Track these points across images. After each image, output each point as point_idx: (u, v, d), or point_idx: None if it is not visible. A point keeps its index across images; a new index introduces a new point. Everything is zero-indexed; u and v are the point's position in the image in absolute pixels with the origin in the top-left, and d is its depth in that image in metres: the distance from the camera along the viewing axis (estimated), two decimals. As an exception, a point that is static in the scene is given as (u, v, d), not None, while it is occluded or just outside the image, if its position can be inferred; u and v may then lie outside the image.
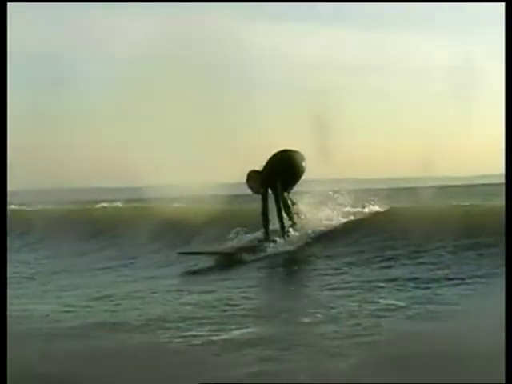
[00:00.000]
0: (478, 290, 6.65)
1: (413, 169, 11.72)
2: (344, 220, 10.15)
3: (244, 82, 16.54)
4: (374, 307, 6.11)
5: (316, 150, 10.30)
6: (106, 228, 13.12)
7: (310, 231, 9.89)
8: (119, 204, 16.29)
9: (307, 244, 9.62)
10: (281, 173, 9.84)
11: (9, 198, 16.65)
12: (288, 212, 9.91)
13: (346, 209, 10.39)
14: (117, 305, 7.04)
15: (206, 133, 15.11)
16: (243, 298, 7.12)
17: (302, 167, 9.96)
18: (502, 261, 6.19)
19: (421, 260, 8.03)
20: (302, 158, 9.99)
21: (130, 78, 17.57)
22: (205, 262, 9.52)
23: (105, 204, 16.10)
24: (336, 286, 7.33)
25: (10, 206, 17.16)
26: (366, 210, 10.38)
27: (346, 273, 8.03)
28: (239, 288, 7.68)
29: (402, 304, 6.15)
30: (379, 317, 5.77)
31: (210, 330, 5.58)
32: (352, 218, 10.20)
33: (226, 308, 6.53)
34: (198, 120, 15.81)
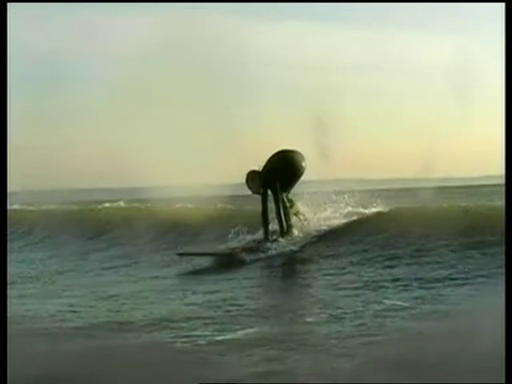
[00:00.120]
0: (482, 288, 6.67)
1: (414, 169, 11.71)
2: (346, 220, 10.17)
3: (244, 82, 16.55)
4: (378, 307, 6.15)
5: (316, 150, 10.29)
6: (110, 228, 13.14)
7: (312, 231, 9.90)
8: (121, 203, 16.23)
9: (309, 244, 9.63)
10: (280, 173, 9.81)
11: (12, 199, 16.73)
12: (285, 214, 9.88)
13: (348, 209, 10.41)
14: (122, 304, 7.06)
15: (206, 133, 15.11)
16: (247, 297, 7.14)
17: (301, 167, 9.93)
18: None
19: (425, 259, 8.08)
20: (302, 158, 9.97)
21: (130, 78, 17.57)
22: (208, 262, 9.53)
23: (107, 204, 16.07)
24: (340, 285, 7.37)
25: (14, 206, 17.24)
26: (368, 210, 10.39)
27: (350, 272, 8.07)
28: (243, 288, 7.70)
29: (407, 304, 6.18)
30: (384, 317, 5.79)
31: (214, 330, 5.59)
32: (354, 218, 10.21)
33: (231, 308, 6.54)
34: (198, 120, 15.81)
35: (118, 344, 5.36)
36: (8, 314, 6.09)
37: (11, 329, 5.38)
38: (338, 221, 10.19)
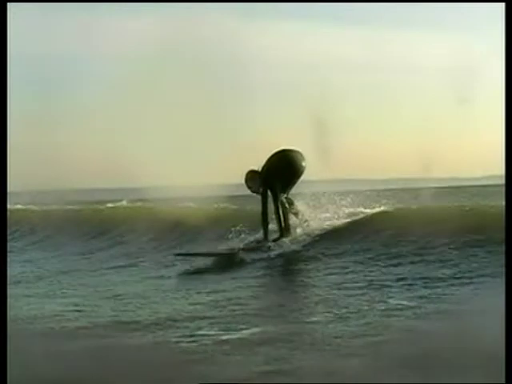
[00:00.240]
0: (486, 287, 6.69)
1: (415, 169, 11.71)
2: (347, 220, 10.14)
3: (244, 82, 16.55)
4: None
5: (316, 150, 10.26)
6: (115, 227, 13.12)
7: (312, 231, 9.87)
8: (124, 203, 16.19)
9: (311, 244, 9.61)
10: (280, 173, 9.75)
11: (14, 199, 16.70)
12: (284, 214, 9.84)
13: (349, 210, 10.38)
14: (127, 304, 7.06)
15: (206, 133, 15.10)
16: (251, 297, 7.17)
17: (301, 167, 9.85)
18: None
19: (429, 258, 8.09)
20: (302, 158, 9.89)
21: (129, 79, 17.56)
22: (212, 262, 9.52)
23: (110, 204, 16.02)
24: (344, 285, 7.37)
25: (16, 206, 17.23)
26: (369, 210, 10.37)
27: (353, 271, 8.07)
28: (245, 287, 7.71)
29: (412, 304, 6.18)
30: (388, 316, 5.81)
31: (219, 330, 5.59)
32: (355, 218, 10.19)
33: (236, 307, 6.54)
34: (198, 120, 15.80)
35: (124, 343, 5.36)
36: (14, 314, 6.33)
37: (20, 329, 5.52)
38: (339, 221, 10.16)
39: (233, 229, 10.01)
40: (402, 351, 4.71)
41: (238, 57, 17.14)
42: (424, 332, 5.26)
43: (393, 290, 6.94)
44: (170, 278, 8.86)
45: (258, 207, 9.97)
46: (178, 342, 5.28)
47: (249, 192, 10.13)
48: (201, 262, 9.49)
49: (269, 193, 9.83)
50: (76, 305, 7.14)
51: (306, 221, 10.02)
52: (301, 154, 9.92)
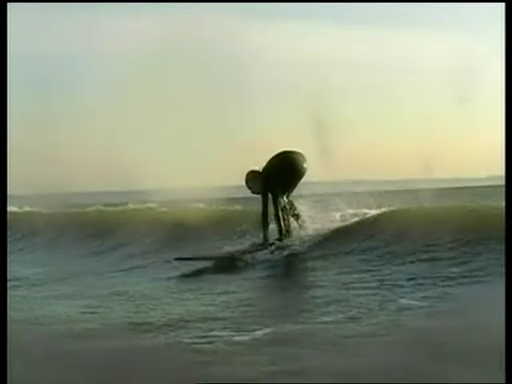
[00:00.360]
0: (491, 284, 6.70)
1: (417, 170, 11.67)
2: (352, 221, 10.11)
3: (244, 82, 16.52)
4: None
5: (317, 151, 10.22)
6: (124, 229, 13.13)
7: (313, 233, 9.83)
8: (130, 205, 16.13)
9: (316, 244, 9.58)
10: (281, 174, 9.72)
11: (19, 202, 16.65)
12: (284, 216, 9.79)
13: (350, 211, 10.35)
14: (139, 305, 7.08)
15: (207, 134, 15.08)
16: (261, 298, 7.32)
17: (302, 168, 9.81)
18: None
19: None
20: (303, 159, 9.85)
21: (129, 79, 17.54)
22: (219, 263, 9.51)
23: (119, 207, 15.96)
24: (352, 284, 7.39)
25: (26, 209, 17.22)
26: (372, 211, 10.33)
27: (360, 271, 8.09)
28: (255, 288, 7.82)
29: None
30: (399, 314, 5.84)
31: (231, 330, 5.61)
32: (358, 219, 10.15)
33: (246, 308, 6.56)
34: (198, 121, 15.78)
35: (136, 344, 5.36)
36: (26, 316, 6.38)
37: (32, 330, 5.55)
38: (342, 223, 10.12)
39: (238, 228, 10.05)
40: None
41: (237, 57, 17.11)
42: (435, 330, 5.24)
43: (403, 289, 6.95)
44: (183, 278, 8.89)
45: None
46: (190, 343, 5.28)
47: (250, 194, 10.10)
48: (208, 263, 9.50)
49: (269, 195, 9.79)
50: (88, 306, 7.16)
51: (303, 222, 9.95)
52: (302, 156, 9.88)
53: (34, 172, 17.55)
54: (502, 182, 6.10)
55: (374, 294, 6.77)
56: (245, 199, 11.82)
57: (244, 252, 9.56)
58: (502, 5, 6.04)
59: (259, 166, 10.01)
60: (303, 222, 9.98)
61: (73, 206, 16.33)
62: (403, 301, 6.39)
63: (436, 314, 5.91)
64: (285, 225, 9.79)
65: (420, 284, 7.08)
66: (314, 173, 10.20)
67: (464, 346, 4.57)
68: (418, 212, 10.15)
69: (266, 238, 9.74)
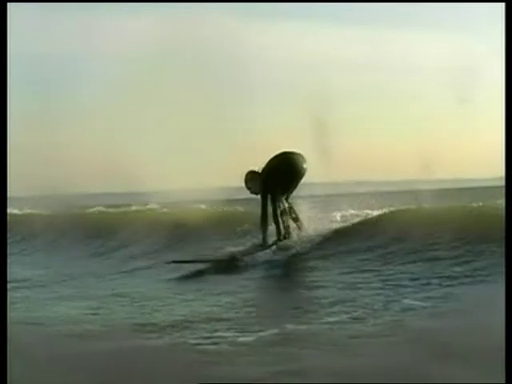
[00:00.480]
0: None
1: (417, 171, 11.66)
2: (350, 222, 10.11)
3: (244, 82, 16.49)
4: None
5: (316, 151, 10.20)
6: (123, 230, 13.16)
7: (312, 236, 9.81)
8: (134, 207, 16.07)
9: (314, 246, 9.57)
10: (280, 175, 9.69)
11: (20, 203, 16.60)
12: (283, 217, 9.76)
13: (351, 211, 10.35)
14: (142, 306, 7.10)
15: (207, 135, 15.06)
16: (265, 298, 7.39)
17: (302, 169, 9.78)
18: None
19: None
20: (303, 160, 9.82)
21: (129, 79, 17.51)
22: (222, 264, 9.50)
23: (122, 208, 15.95)
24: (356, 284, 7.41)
25: (28, 211, 17.21)
26: (373, 212, 10.33)
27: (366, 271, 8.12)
28: (257, 289, 7.90)
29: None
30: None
31: (235, 331, 5.63)
32: (359, 220, 10.15)
33: (250, 309, 6.60)
34: (198, 121, 15.76)
35: (140, 345, 5.38)
36: (32, 317, 6.39)
37: (36, 331, 5.56)
38: (342, 223, 10.11)
39: (239, 229, 10.12)
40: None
41: (237, 57, 17.08)
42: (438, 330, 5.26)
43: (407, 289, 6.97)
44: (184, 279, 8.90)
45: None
46: (195, 344, 5.30)
47: (251, 195, 10.07)
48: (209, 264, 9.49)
49: (269, 196, 9.76)
50: (92, 308, 7.17)
51: (301, 225, 9.91)
52: (302, 157, 9.84)
53: (34, 173, 17.51)
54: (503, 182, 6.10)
55: (378, 294, 6.80)
56: (246, 200, 11.83)
57: (243, 253, 9.53)
58: (502, 5, 6.03)
59: (259, 167, 9.98)
60: (302, 224, 9.93)
61: (74, 207, 16.32)
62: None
63: (439, 315, 5.91)
64: (284, 226, 9.75)
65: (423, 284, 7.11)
66: (313, 173, 10.18)
67: (465, 345, 4.57)
68: (418, 213, 10.15)
69: (265, 240, 9.73)
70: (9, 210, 14.55)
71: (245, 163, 10.32)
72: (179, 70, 17.01)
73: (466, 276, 7.29)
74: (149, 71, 17.88)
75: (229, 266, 9.25)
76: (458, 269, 7.58)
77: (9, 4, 7.27)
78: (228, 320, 6.10)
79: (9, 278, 8.73)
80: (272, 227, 9.82)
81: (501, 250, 7.57)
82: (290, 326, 5.69)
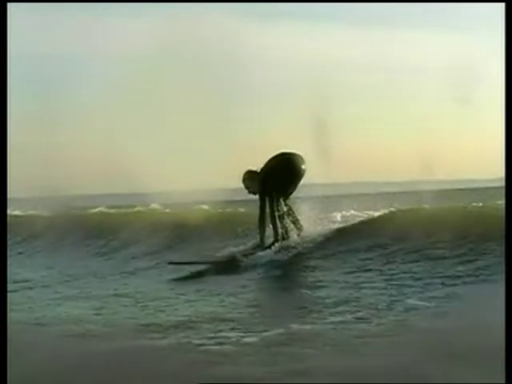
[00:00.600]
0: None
1: (418, 172, 11.66)
2: (350, 223, 10.11)
3: (244, 82, 16.49)
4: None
5: (317, 151, 10.19)
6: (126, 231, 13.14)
7: (311, 238, 9.79)
8: (139, 208, 16.06)
9: (316, 246, 9.57)
10: (278, 176, 9.64)
11: (20, 205, 16.58)
12: (281, 219, 9.73)
13: (351, 212, 10.34)
14: (145, 307, 7.11)
15: (207, 136, 15.05)
16: (268, 299, 7.40)
17: (301, 170, 9.74)
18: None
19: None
20: (302, 161, 9.77)
21: (129, 79, 17.50)
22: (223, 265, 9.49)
23: (127, 209, 15.94)
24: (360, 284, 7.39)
25: (31, 212, 17.19)
26: (374, 213, 10.32)
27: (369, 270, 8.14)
28: (259, 289, 7.93)
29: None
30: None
31: (239, 331, 5.64)
32: (360, 220, 10.15)
33: (253, 310, 6.62)
34: (197, 121, 15.75)
35: (144, 345, 5.39)
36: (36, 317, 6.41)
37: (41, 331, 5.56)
38: (343, 224, 10.11)
39: (240, 229, 10.13)
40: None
41: (237, 57, 17.05)
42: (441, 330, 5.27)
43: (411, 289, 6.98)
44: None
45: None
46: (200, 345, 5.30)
47: (253, 196, 10.05)
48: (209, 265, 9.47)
49: (267, 196, 9.73)
50: (95, 308, 7.18)
51: (301, 227, 9.88)
52: (301, 157, 9.79)
53: (34, 174, 17.50)
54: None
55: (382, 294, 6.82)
56: (248, 201, 11.83)
57: (242, 253, 9.52)
58: (502, 5, 6.04)
59: (258, 167, 9.95)
60: (301, 226, 9.89)
61: (76, 208, 16.32)
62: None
63: (442, 314, 5.92)
64: (282, 226, 9.72)
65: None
66: (313, 174, 10.17)
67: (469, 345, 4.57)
68: (420, 213, 10.15)
69: (262, 240, 9.70)
70: (10, 212, 14.59)
71: (246, 164, 10.31)
72: (179, 70, 16.99)
73: (469, 275, 7.30)
74: (149, 71, 17.86)
75: (229, 266, 9.23)
76: (460, 268, 7.59)
77: (9, 4, 7.27)
78: (232, 320, 6.10)
79: (13, 278, 8.79)
80: (271, 228, 9.81)
81: (501, 249, 7.63)
82: (294, 326, 5.69)
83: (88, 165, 17.87)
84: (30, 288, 8.93)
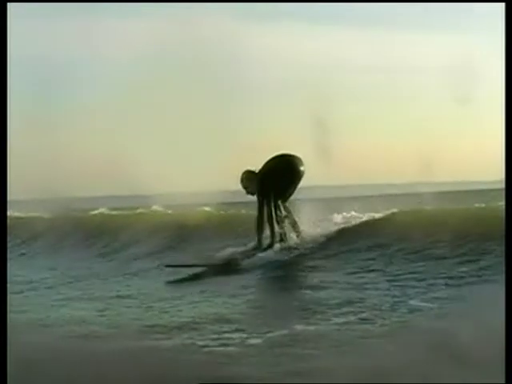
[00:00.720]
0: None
1: (419, 173, 11.67)
2: (351, 224, 10.10)
3: (244, 83, 16.49)
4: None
5: (316, 152, 10.17)
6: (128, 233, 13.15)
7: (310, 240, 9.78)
8: (142, 210, 16.04)
9: (317, 246, 9.56)
10: (277, 177, 9.60)
11: (20, 207, 16.59)
12: (279, 221, 9.72)
13: (355, 214, 10.33)
14: (148, 308, 7.12)
15: (206, 134, 15.05)
16: (270, 300, 7.37)
17: (299, 171, 9.71)
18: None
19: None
20: (300, 163, 9.74)
21: (129, 79, 17.51)
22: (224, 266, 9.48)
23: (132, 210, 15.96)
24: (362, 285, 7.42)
25: (32, 214, 17.19)
26: (375, 215, 10.31)
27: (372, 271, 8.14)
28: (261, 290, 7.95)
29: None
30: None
31: (243, 332, 5.65)
32: (359, 221, 10.15)
33: (256, 311, 6.64)
34: (197, 121, 15.76)
35: (148, 346, 5.40)
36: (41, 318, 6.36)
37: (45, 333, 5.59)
38: (344, 225, 10.10)
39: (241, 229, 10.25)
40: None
41: (237, 57, 17.05)
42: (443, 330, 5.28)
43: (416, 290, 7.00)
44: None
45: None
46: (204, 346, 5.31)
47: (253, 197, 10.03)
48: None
49: (265, 198, 9.70)
50: (99, 309, 7.20)
51: (299, 230, 9.86)
52: (299, 159, 9.76)
53: (35, 175, 17.49)
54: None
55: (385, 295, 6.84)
56: (249, 203, 11.84)
57: (241, 254, 9.51)
58: (502, 5, 6.04)
59: (256, 168, 9.93)
60: (299, 228, 9.86)
61: (77, 210, 16.32)
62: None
63: (444, 315, 5.94)
64: (280, 227, 9.70)
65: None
66: (313, 174, 10.16)
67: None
68: (421, 214, 10.16)
69: (260, 242, 9.67)
70: (11, 214, 14.58)
71: (246, 164, 10.30)
72: (179, 70, 16.99)
73: (472, 276, 7.32)
74: (149, 71, 17.87)
75: (228, 267, 9.23)
76: (463, 268, 7.61)
77: (9, 4, 7.27)
78: (237, 321, 6.11)
79: (15, 280, 8.79)
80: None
81: (501, 249, 7.65)
82: (298, 327, 5.70)
83: (89, 166, 17.86)
84: (33, 289, 8.93)
